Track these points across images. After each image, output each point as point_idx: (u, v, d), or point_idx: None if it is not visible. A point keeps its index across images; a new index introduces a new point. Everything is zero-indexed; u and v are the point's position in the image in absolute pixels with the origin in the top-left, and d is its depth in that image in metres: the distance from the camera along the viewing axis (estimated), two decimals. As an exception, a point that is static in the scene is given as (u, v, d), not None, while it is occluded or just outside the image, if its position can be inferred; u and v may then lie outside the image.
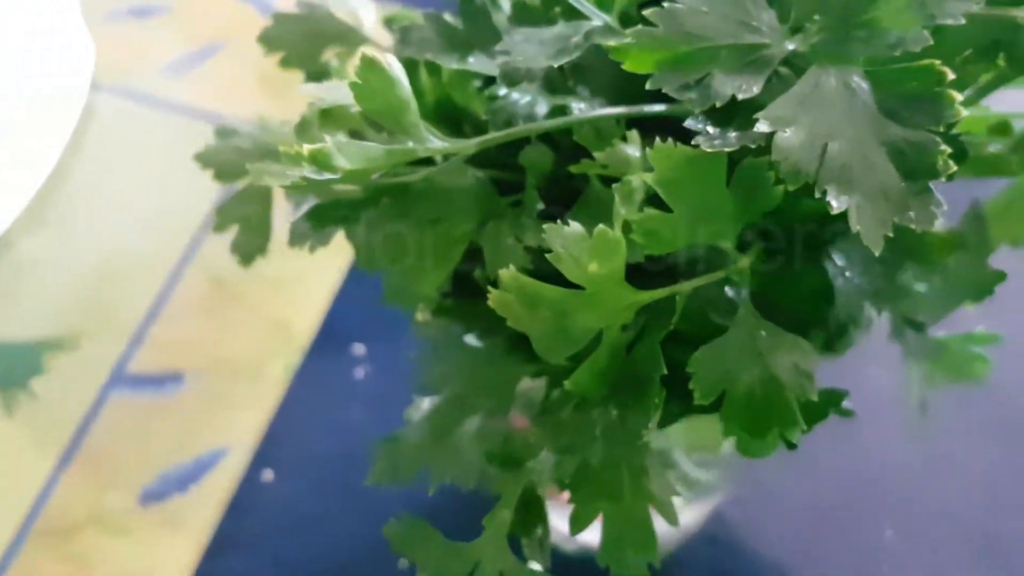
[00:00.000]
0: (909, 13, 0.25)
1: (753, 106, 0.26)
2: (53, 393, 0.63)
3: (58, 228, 0.70)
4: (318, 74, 0.39)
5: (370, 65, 0.26)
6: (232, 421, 0.62)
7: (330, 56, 0.39)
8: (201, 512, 0.58)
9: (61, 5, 0.76)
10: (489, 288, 0.28)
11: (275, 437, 0.62)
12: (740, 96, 0.26)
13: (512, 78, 0.28)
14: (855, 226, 0.24)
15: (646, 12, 0.26)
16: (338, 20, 0.39)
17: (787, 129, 0.25)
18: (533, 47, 0.28)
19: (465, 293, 0.34)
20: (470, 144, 0.28)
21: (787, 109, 0.25)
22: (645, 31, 0.26)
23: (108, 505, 0.59)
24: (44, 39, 0.75)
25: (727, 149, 0.25)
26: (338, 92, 0.27)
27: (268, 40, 0.39)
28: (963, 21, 0.25)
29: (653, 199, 0.27)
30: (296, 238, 0.33)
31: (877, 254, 0.24)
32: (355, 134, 0.33)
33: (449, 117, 0.34)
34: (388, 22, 0.41)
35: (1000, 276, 0.40)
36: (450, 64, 0.31)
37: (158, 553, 0.57)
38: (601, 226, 0.26)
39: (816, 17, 0.26)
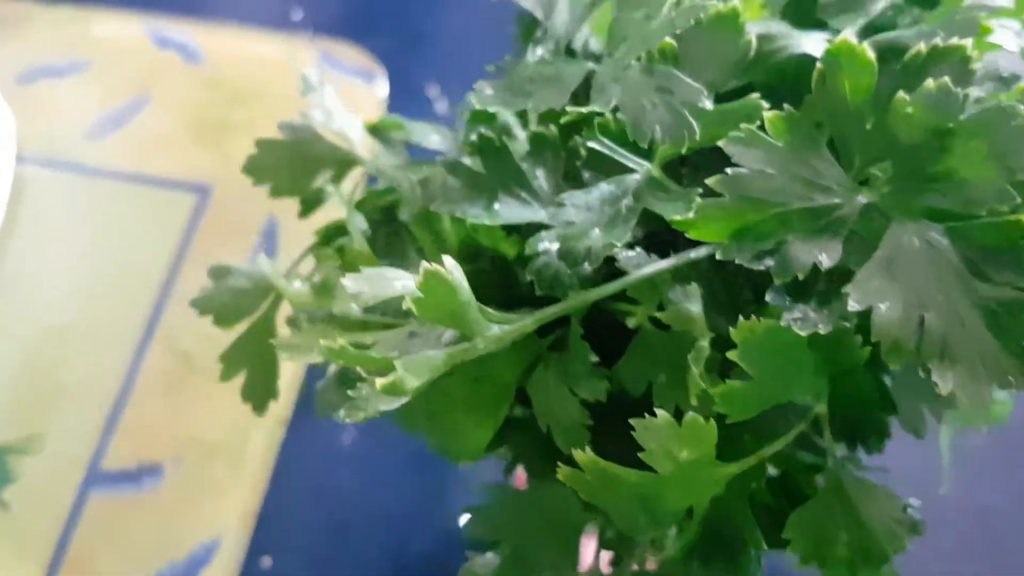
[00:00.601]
0: (988, 165, 0.24)
1: (836, 274, 0.25)
2: (27, 502, 0.60)
3: (1, 314, 0.66)
4: (312, 201, 0.37)
5: (432, 277, 0.24)
6: (219, 508, 0.60)
7: (322, 182, 0.37)
8: (207, 614, 0.56)
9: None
10: (559, 464, 0.27)
11: (267, 519, 0.60)
12: (823, 266, 0.25)
13: (573, 259, 0.26)
14: (956, 393, 0.23)
15: (710, 181, 0.25)
16: (327, 143, 0.37)
17: (881, 304, 0.24)
18: (583, 215, 0.27)
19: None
20: (528, 323, 0.27)
21: (877, 280, 0.24)
22: (712, 203, 0.25)
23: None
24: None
25: (822, 331, 0.24)
26: (381, 286, 0.25)
27: (254, 170, 0.37)
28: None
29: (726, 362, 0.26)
30: (324, 408, 0.32)
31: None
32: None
33: (472, 255, 0.33)
34: (373, 131, 0.38)
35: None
36: (478, 215, 0.29)
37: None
38: (691, 415, 0.25)
39: (885, 164, 0.25)
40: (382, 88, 0.74)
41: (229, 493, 0.60)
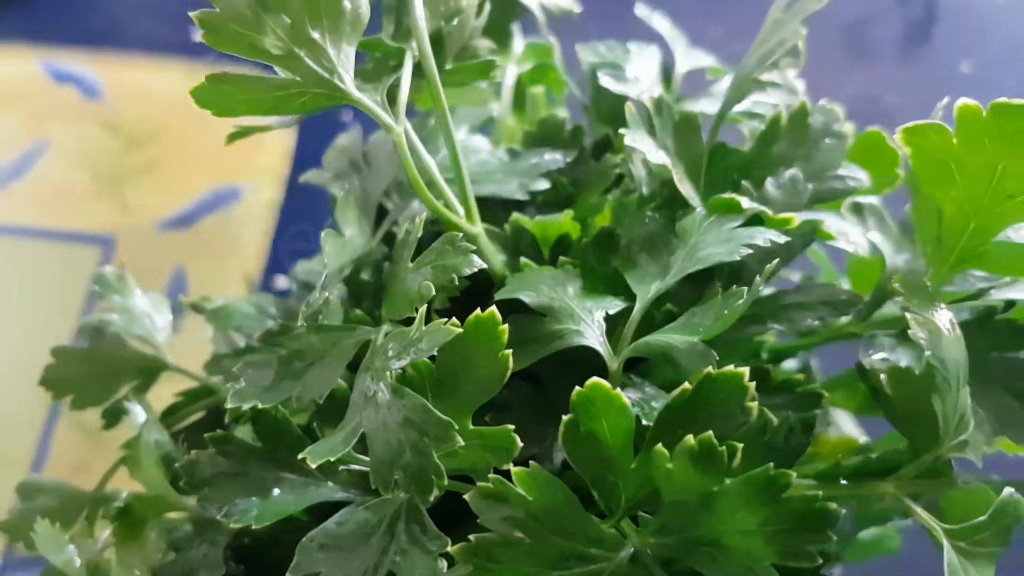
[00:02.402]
0: (757, 539, 0.22)
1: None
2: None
3: None
4: (114, 414, 0.34)
5: None
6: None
7: (125, 391, 0.34)
8: None
9: None
10: None
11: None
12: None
13: None
14: None
15: (453, 550, 0.22)
16: (131, 349, 0.34)
17: None
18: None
19: None
20: None
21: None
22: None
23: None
24: None
25: None
26: None
27: (52, 384, 0.34)
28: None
29: None
30: None
31: None
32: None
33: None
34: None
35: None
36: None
37: None
38: None
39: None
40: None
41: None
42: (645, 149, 0.29)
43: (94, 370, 0.34)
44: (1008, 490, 0.25)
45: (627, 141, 0.29)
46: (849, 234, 0.31)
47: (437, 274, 0.26)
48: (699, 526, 0.22)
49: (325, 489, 0.27)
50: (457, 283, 0.25)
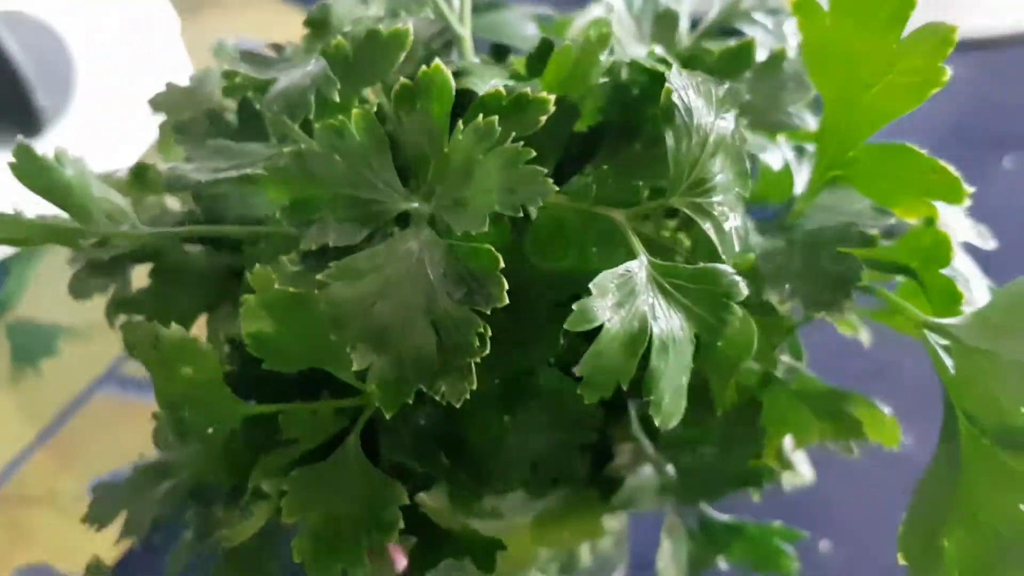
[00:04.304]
0: (491, 197, 0.26)
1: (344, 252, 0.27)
2: (54, 375, 0.70)
3: None
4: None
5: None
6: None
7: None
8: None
9: None
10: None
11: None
12: (338, 244, 0.27)
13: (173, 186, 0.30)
14: (372, 383, 0.25)
15: (286, 149, 0.29)
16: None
17: (345, 283, 0.26)
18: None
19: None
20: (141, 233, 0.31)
21: (360, 263, 0.27)
22: (277, 168, 0.28)
23: (63, 488, 0.64)
24: None
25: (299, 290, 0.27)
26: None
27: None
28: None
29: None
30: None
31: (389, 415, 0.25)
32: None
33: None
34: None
35: (769, 472, 0.38)
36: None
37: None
38: (190, 337, 0.28)
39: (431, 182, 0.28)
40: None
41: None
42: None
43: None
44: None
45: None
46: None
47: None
48: (464, 189, 0.27)
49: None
50: None
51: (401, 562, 0.52)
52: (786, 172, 0.34)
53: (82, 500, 0.58)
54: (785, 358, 0.36)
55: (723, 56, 0.35)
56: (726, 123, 0.27)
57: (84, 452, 0.66)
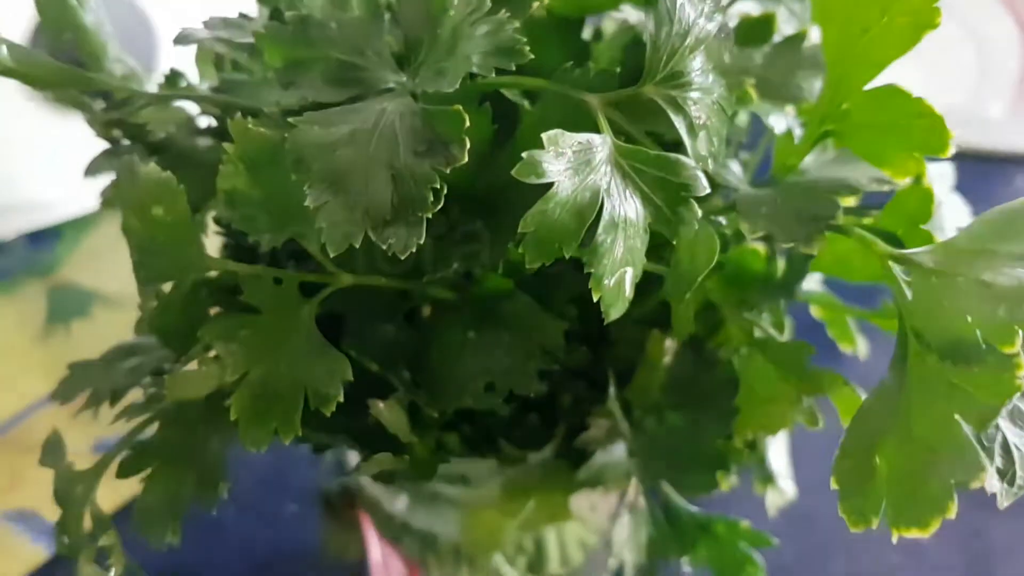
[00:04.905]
0: (470, 61, 0.27)
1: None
2: (83, 336, 0.71)
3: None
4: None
5: None
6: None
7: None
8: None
9: None
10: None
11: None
12: (319, 100, 0.28)
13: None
14: (321, 223, 0.25)
15: (287, 13, 0.29)
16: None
17: (314, 128, 0.27)
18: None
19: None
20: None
21: (333, 116, 0.27)
22: (275, 29, 0.29)
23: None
24: None
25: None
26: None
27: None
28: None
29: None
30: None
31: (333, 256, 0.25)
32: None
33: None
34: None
35: (737, 454, 0.37)
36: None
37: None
38: (167, 175, 0.29)
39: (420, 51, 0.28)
40: None
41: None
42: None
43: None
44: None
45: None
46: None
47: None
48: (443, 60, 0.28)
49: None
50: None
51: (401, 567, 0.51)
52: (788, 136, 0.34)
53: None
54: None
55: (742, 25, 0.36)
56: (712, 25, 0.27)
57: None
